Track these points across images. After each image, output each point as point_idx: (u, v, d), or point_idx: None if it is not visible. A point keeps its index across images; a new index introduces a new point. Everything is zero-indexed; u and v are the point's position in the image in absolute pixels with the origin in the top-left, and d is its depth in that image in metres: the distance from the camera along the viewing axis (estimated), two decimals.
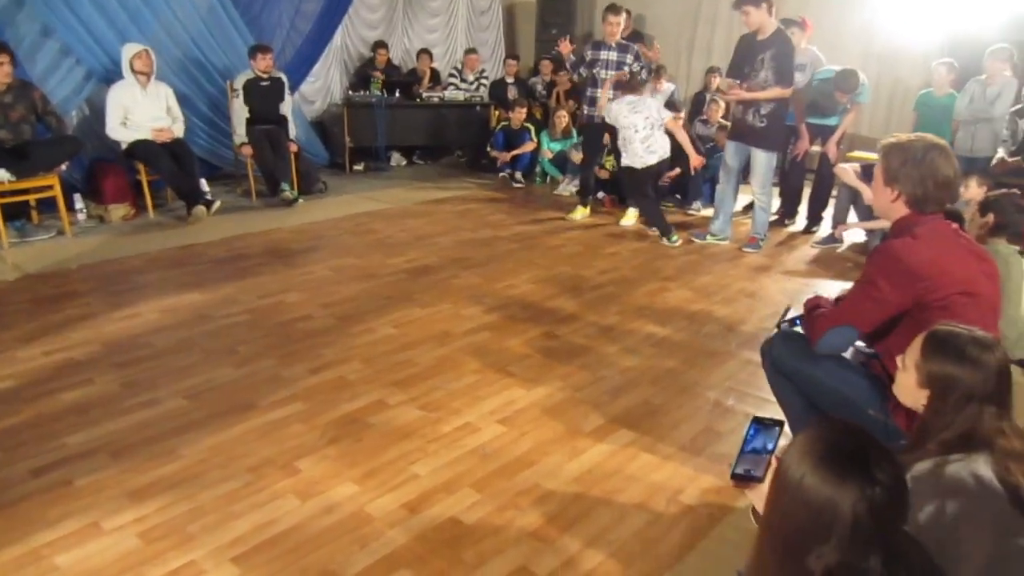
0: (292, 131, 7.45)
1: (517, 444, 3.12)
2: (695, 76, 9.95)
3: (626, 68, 6.61)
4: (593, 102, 6.79)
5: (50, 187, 5.75)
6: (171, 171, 6.35)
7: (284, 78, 7.40)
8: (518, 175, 8.55)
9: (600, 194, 7.67)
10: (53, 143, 5.86)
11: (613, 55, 6.64)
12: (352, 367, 3.77)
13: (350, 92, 8.99)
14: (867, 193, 5.09)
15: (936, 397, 1.82)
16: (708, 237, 6.35)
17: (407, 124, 9.12)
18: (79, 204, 6.29)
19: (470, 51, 9.87)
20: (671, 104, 7.72)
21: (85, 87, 6.61)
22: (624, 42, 6.76)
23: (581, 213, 7.06)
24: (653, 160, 6.31)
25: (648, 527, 2.61)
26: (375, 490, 2.77)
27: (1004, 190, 4.33)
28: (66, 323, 4.20)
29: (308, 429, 3.17)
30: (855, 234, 6.51)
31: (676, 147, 7.33)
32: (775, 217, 7.11)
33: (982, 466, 1.69)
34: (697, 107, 9.08)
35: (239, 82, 7.14)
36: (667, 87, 8.83)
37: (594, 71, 6.73)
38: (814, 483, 1.29)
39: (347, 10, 8.52)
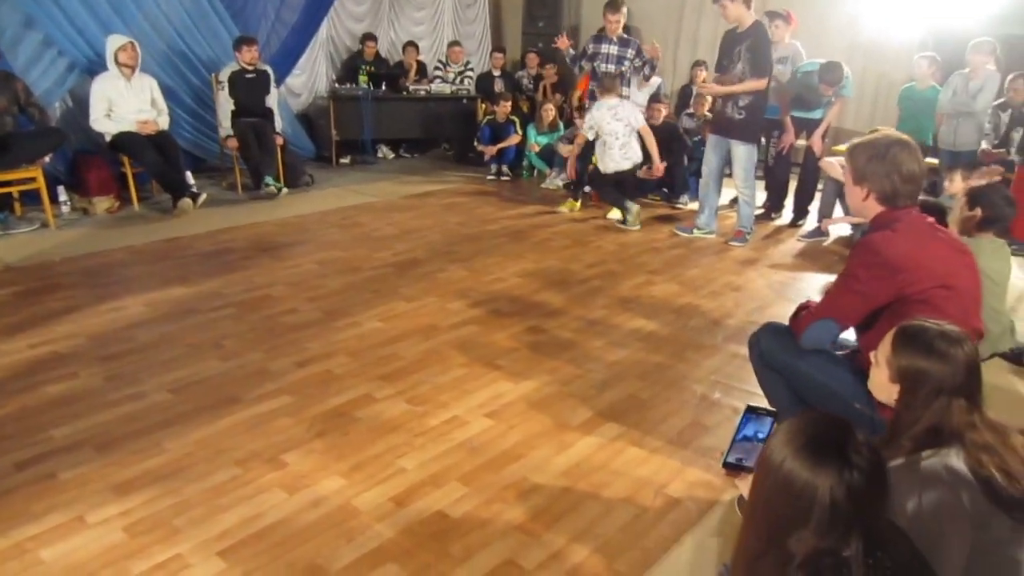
0: (278, 124, 7.41)
1: (504, 438, 3.12)
2: (681, 69, 9.95)
3: (626, 63, 6.61)
4: (594, 95, 6.78)
5: (33, 179, 5.71)
6: (156, 163, 6.31)
7: (270, 70, 7.36)
8: (504, 168, 8.53)
9: (587, 188, 7.66)
10: (36, 135, 5.82)
11: (614, 49, 6.64)
12: (339, 361, 3.77)
13: (336, 85, 8.95)
14: None
15: (906, 392, 1.84)
16: (694, 231, 6.37)
17: (394, 117, 9.09)
18: (63, 196, 6.24)
19: (453, 43, 9.84)
20: (656, 97, 7.72)
21: (68, 78, 6.56)
22: (626, 37, 6.75)
23: (571, 206, 7.06)
24: (627, 166, 6.46)
25: (635, 520, 2.62)
26: (362, 484, 2.77)
27: (989, 182, 4.35)
28: (50, 316, 4.17)
29: (295, 423, 3.17)
30: (841, 227, 6.55)
31: (665, 142, 7.37)
32: (761, 211, 7.14)
33: (955, 459, 1.71)
34: (684, 100, 9.09)
35: (224, 74, 7.10)
36: (654, 81, 8.83)
37: (595, 64, 6.72)
38: (794, 468, 1.34)
39: (333, 2, 8.46)
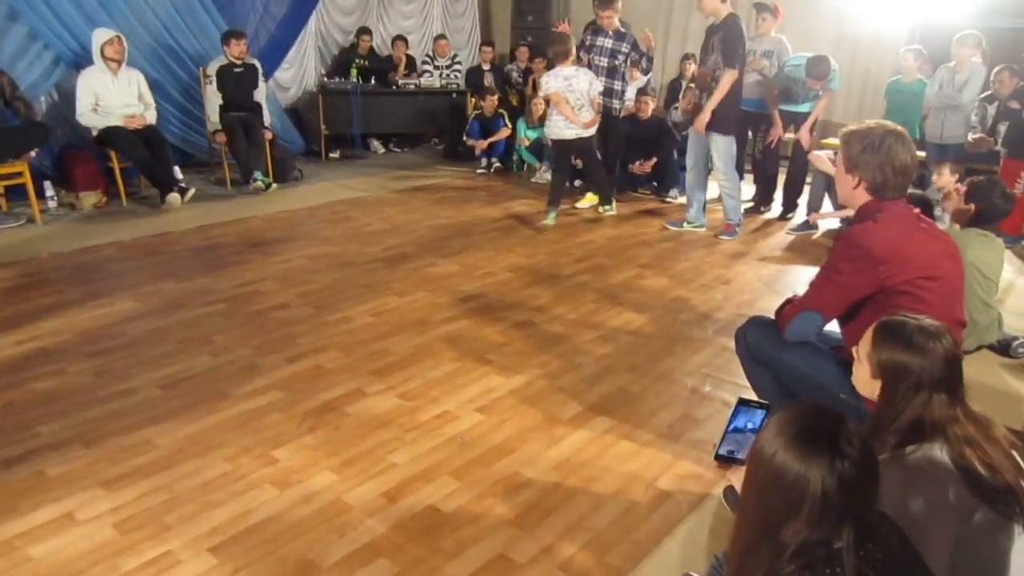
0: (267, 118, 7.38)
1: (495, 432, 3.12)
2: (670, 63, 9.94)
3: (620, 57, 6.59)
4: None
5: (19, 174, 5.67)
6: (144, 158, 6.28)
7: (258, 64, 7.32)
8: (494, 162, 8.52)
9: (576, 182, 7.67)
10: (22, 129, 5.78)
11: (609, 43, 6.62)
12: (329, 356, 3.76)
13: (325, 79, 8.92)
14: None
15: (886, 387, 1.84)
16: (684, 225, 6.37)
17: (383, 111, 9.05)
18: (49, 191, 6.20)
19: (439, 37, 9.82)
20: (644, 91, 7.72)
21: (54, 72, 6.51)
22: (622, 31, 6.73)
23: (590, 202, 7.04)
24: (569, 135, 6.24)
25: (626, 514, 2.63)
26: (353, 479, 2.76)
27: (983, 177, 4.37)
28: (37, 312, 4.15)
29: (285, 418, 3.16)
30: (830, 221, 6.56)
31: (654, 136, 7.38)
32: (750, 204, 7.16)
33: (938, 452, 1.72)
34: (673, 94, 9.09)
35: (212, 68, 7.06)
36: (642, 75, 8.83)
37: (590, 57, 6.71)
38: (786, 459, 1.34)
39: None
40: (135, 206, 6.43)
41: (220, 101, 7.02)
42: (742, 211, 6.40)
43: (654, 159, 7.39)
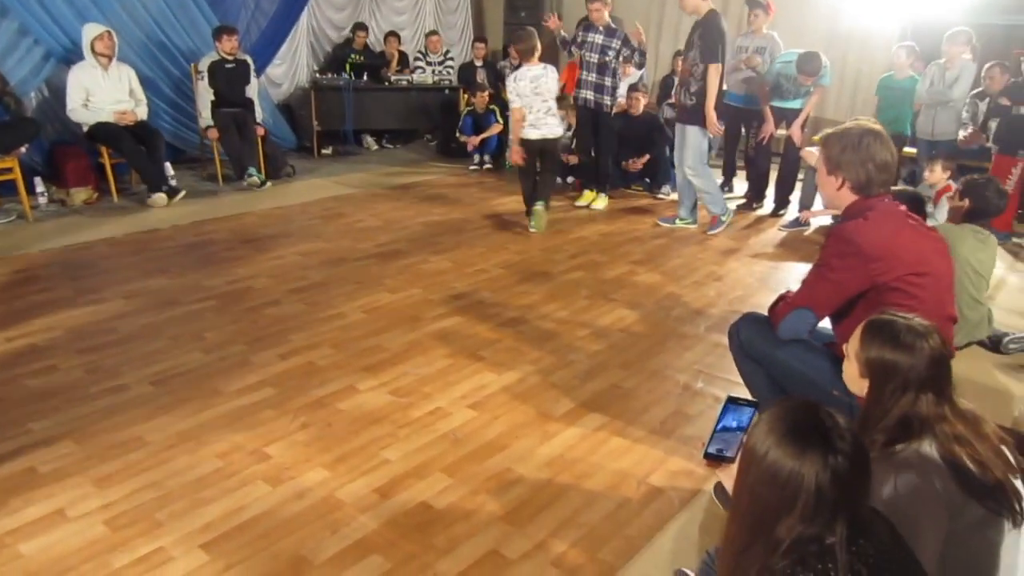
0: (259, 114, 7.35)
1: (488, 429, 3.12)
2: (663, 59, 9.95)
3: (611, 52, 6.58)
4: (579, 84, 6.75)
5: (9, 170, 5.64)
6: (135, 154, 6.25)
7: (250, 60, 7.29)
8: (487, 159, 8.51)
9: (569, 179, 7.67)
10: (11, 125, 5.75)
11: (599, 38, 6.60)
12: (322, 352, 3.75)
13: (317, 75, 8.90)
14: None
15: (874, 385, 1.85)
16: (676, 221, 6.39)
17: (376, 108, 9.04)
18: (40, 187, 6.16)
19: (431, 33, 9.81)
20: (635, 87, 7.71)
21: (44, 68, 6.46)
22: (612, 26, 6.73)
23: (589, 199, 7.04)
24: (533, 135, 5.99)
25: (618, 510, 2.63)
26: (346, 475, 2.76)
27: (983, 175, 4.41)
28: (28, 309, 4.13)
29: (278, 415, 3.16)
30: (822, 217, 6.57)
31: (646, 132, 7.38)
32: (743, 200, 7.17)
33: (928, 449, 1.73)
34: (665, 91, 9.09)
35: (204, 64, 7.02)
36: (635, 71, 8.83)
37: (581, 53, 6.70)
38: (778, 457, 1.34)
39: None
40: (126, 202, 6.40)
41: (212, 97, 6.99)
42: (724, 201, 6.39)
43: (646, 156, 7.40)
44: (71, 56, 6.33)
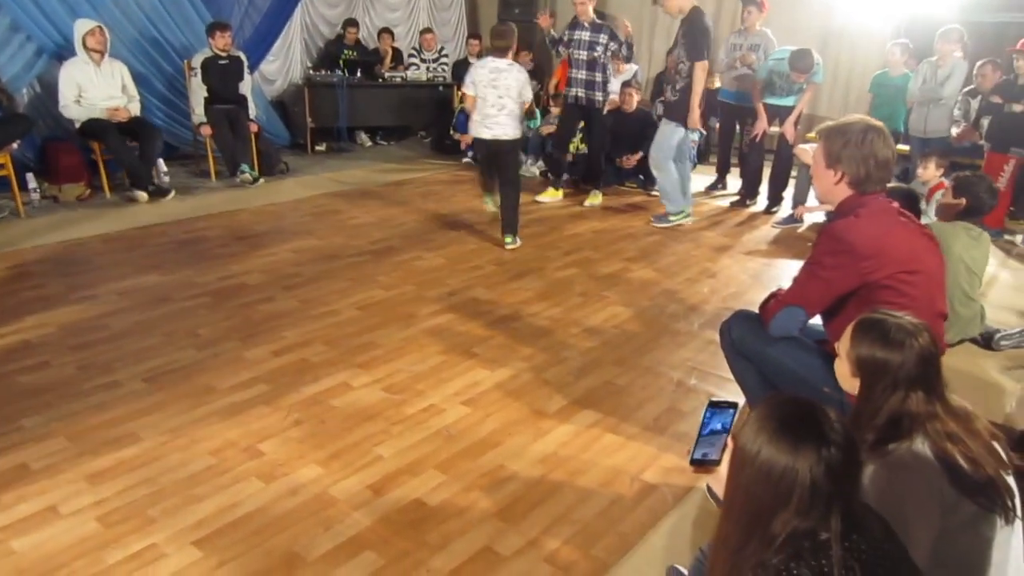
0: (252, 111, 7.34)
1: (481, 425, 3.13)
2: (657, 57, 9.95)
3: (599, 48, 6.58)
4: (571, 82, 6.76)
5: (2, 166, 5.62)
6: (122, 150, 6.22)
7: (243, 57, 7.27)
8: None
9: (564, 176, 7.66)
10: (3, 121, 5.71)
11: (586, 35, 6.60)
12: (315, 349, 3.75)
13: (311, 71, 8.88)
14: None
15: (865, 384, 1.86)
16: (671, 218, 6.39)
17: (369, 104, 9.03)
18: (32, 183, 6.14)
19: (426, 30, 9.80)
20: (628, 84, 7.71)
21: (36, 64, 6.44)
22: (599, 22, 6.73)
23: (551, 195, 7.04)
24: (485, 135, 5.53)
25: (611, 507, 2.64)
26: (339, 472, 2.76)
27: (975, 173, 4.43)
28: (20, 305, 4.12)
29: (271, 411, 3.15)
30: (816, 214, 6.59)
31: (639, 129, 7.38)
32: (736, 198, 7.19)
33: (920, 446, 1.73)
34: (659, 88, 9.09)
35: (197, 61, 7.01)
36: (629, 67, 8.82)
37: (570, 51, 6.71)
38: (771, 454, 1.35)
39: None
40: (119, 198, 6.38)
41: (205, 94, 6.98)
42: (681, 203, 6.36)
43: (640, 153, 7.40)
44: (63, 52, 6.30)
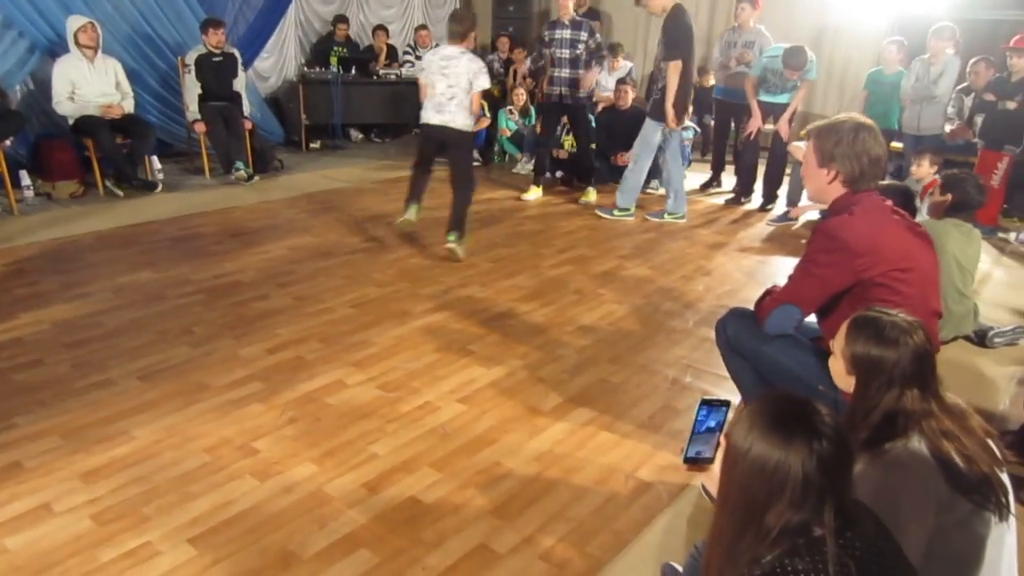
0: (246, 108, 7.32)
1: (477, 423, 3.12)
2: (653, 54, 9.94)
3: (580, 46, 6.58)
4: (552, 81, 6.77)
5: None
6: (110, 146, 6.20)
7: (237, 54, 7.25)
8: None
9: (558, 173, 7.67)
10: None
11: (567, 33, 6.61)
12: (310, 347, 3.74)
13: (305, 68, 8.86)
14: None
15: (860, 382, 1.86)
16: (665, 216, 6.40)
17: (364, 101, 9.03)
18: (25, 181, 6.11)
19: (420, 27, 9.79)
20: (623, 81, 7.71)
21: (29, 61, 6.41)
22: (579, 19, 6.73)
23: (534, 193, 7.05)
24: (434, 121, 5.31)
25: (606, 504, 2.64)
26: (334, 470, 2.76)
27: (963, 170, 4.44)
28: (14, 302, 4.10)
29: (266, 409, 3.15)
30: (810, 212, 6.60)
31: (634, 127, 7.36)
32: (731, 195, 7.20)
33: (916, 444, 1.74)
34: (652, 85, 9.09)
35: (191, 58, 6.98)
36: (624, 65, 8.84)
37: (551, 50, 6.70)
38: (764, 449, 1.35)
39: None
40: (112, 196, 6.36)
41: (199, 91, 6.96)
42: (633, 202, 6.46)
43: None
44: (56, 49, 6.28)
